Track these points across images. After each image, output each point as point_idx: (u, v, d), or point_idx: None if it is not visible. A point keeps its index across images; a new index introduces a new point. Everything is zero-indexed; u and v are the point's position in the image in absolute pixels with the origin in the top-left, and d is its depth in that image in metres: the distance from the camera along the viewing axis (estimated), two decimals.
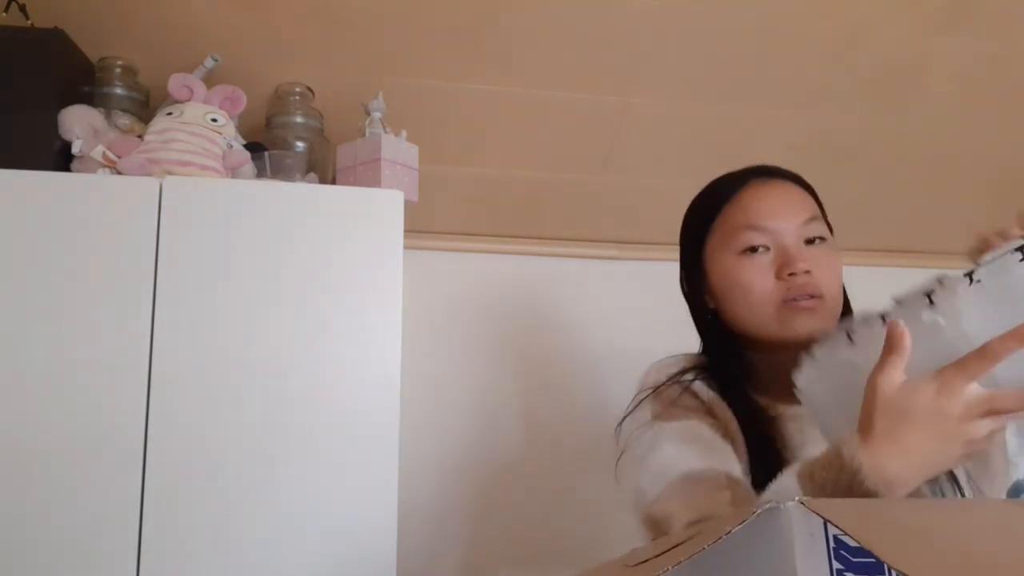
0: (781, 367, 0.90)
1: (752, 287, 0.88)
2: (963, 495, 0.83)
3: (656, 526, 0.81)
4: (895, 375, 0.63)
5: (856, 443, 0.64)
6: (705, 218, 0.96)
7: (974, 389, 0.60)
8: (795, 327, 0.87)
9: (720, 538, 0.49)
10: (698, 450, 0.84)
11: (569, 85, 1.67)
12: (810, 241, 0.90)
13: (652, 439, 0.88)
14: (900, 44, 1.66)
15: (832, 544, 0.51)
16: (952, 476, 0.84)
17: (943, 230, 2.07)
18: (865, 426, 0.64)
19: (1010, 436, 0.86)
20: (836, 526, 0.46)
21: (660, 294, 1.94)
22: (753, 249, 0.89)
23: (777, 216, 0.89)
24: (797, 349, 0.88)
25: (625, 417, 0.95)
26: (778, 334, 0.88)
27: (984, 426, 0.60)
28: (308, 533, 1.27)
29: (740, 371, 0.94)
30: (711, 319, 0.96)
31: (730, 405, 0.91)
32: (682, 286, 1.02)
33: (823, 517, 0.48)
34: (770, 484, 0.71)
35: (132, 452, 1.24)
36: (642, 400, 0.94)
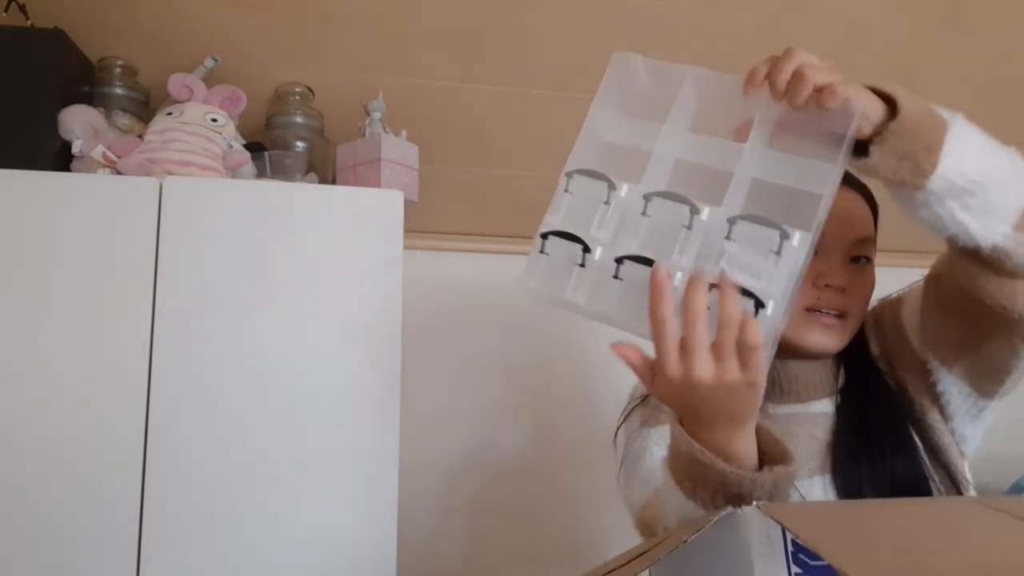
0: (775, 369, 0.90)
1: None
2: (956, 488, 0.84)
3: (647, 531, 0.83)
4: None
5: (678, 424, 0.65)
6: None
7: (705, 354, 0.59)
8: (807, 339, 0.86)
9: (676, 547, 0.49)
10: None
11: (569, 85, 1.67)
12: (855, 259, 0.89)
13: (641, 446, 0.89)
14: (900, 44, 1.66)
15: (790, 548, 0.51)
16: (948, 473, 0.84)
17: None
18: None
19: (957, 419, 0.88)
20: (790, 530, 0.46)
21: None
22: None
23: (837, 224, 0.83)
24: (797, 356, 0.89)
25: (619, 427, 0.97)
26: (788, 337, 0.86)
27: (732, 368, 0.58)
28: (308, 532, 1.28)
29: None
30: None
31: None
32: None
33: (778, 522, 0.48)
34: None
35: (132, 452, 1.24)
36: (632, 409, 0.96)
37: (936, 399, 0.88)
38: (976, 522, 0.53)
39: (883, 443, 0.85)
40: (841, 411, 0.89)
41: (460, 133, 1.74)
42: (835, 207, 0.87)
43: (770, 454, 0.65)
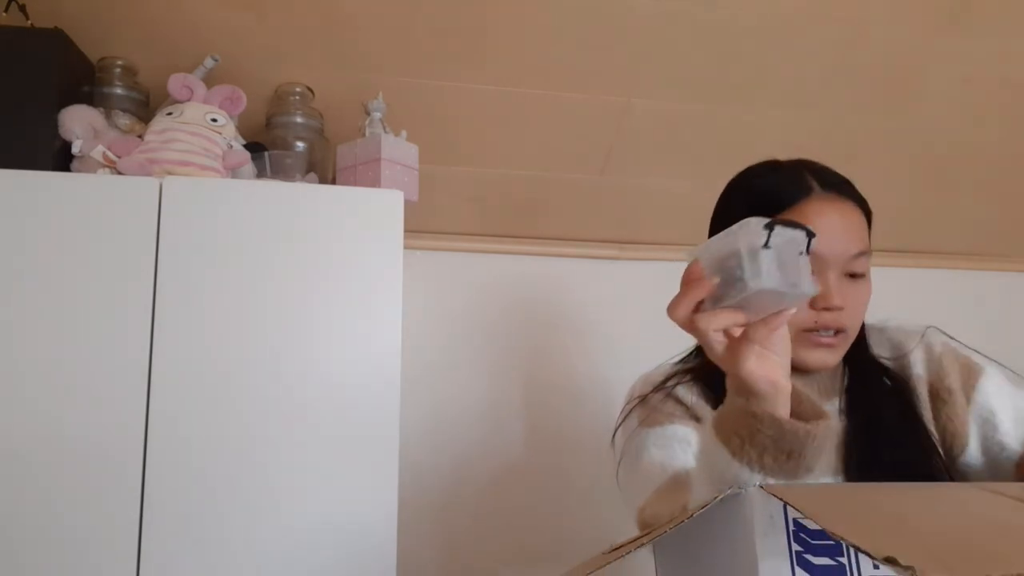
0: None
1: None
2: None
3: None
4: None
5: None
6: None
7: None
8: (806, 359, 0.86)
9: (682, 521, 0.51)
10: (682, 453, 0.86)
11: (569, 85, 1.68)
12: (851, 275, 0.87)
13: (639, 446, 0.90)
14: (900, 44, 1.66)
15: (792, 527, 0.53)
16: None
17: (943, 230, 2.07)
18: None
19: None
20: (793, 507, 0.49)
21: (660, 294, 1.95)
22: None
23: (832, 244, 0.84)
24: (799, 372, 0.88)
25: (617, 428, 0.98)
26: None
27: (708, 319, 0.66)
28: (308, 532, 1.28)
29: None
30: None
31: (714, 408, 0.91)
32: None
33: (782, 500, 0.50)
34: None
35: (132, 453, 1.24)
36: (630, 410, 0.96)
37: (951, 447, 0.91)
38: (972, 499, 0.55)
39: (893, 441, 0.86)
40: (847, 411, 0.90)
41: (460, 133, 1.74)
42: (829, 222, 0.86)
43: (805, 413, 0.67)
